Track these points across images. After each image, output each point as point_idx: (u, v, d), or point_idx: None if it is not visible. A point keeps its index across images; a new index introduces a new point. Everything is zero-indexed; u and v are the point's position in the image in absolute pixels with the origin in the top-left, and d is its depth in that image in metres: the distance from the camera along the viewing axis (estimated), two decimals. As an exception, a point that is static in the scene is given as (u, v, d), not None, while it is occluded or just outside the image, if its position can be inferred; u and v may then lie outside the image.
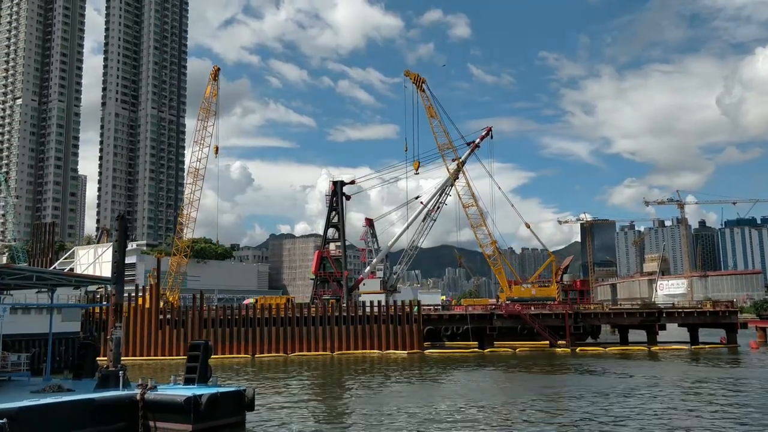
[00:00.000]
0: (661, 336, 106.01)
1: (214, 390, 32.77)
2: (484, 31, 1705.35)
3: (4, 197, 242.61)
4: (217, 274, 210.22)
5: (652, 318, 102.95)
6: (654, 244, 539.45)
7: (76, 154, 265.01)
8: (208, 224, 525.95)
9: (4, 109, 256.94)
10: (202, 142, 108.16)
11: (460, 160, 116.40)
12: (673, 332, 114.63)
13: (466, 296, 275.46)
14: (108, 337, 36.36)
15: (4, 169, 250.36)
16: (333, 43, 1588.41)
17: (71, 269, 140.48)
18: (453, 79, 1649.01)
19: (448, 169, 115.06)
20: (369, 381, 62.47)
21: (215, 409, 31.46)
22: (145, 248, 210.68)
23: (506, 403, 47.56)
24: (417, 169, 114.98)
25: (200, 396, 31.33)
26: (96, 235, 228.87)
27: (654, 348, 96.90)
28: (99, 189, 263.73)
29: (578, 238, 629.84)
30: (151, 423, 32.36)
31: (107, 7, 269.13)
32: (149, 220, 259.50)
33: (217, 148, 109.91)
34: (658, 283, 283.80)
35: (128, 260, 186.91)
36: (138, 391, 33.19)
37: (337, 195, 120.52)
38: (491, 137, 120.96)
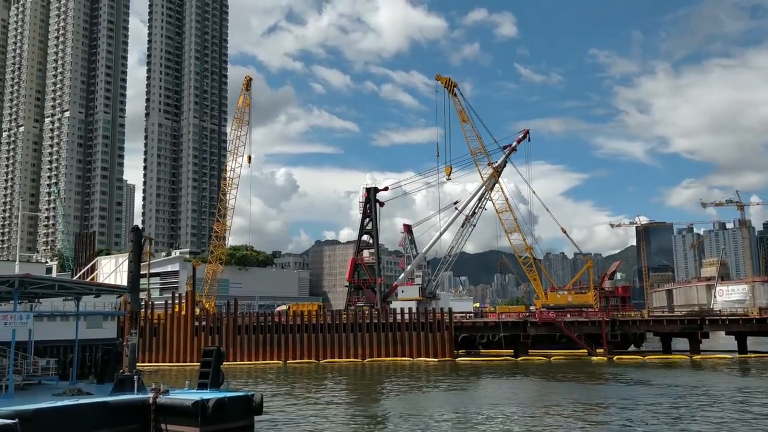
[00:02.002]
0: (710, 344, 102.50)
1: (222, 395, 33.34)
2: (531, 30, 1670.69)
3: (54, 208, 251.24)
4: (258, 280, 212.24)
5: (694, 325, 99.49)
6: (714, 247, 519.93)
7: (121, 164, 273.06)
8: (253, 231, 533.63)
9: (53, 122, 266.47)
10: (236, 152, 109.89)
11: (497, 164, 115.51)
12: (722, 340, 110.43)
13: (513, 303, 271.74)
14: (124, 343, 37.23)
15: (53, 180, 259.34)
16: (376, 47, 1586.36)
17: (93, 278, 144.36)
18: (500, 79, 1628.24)
19: (481, 175, 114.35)
20: (394, 388, 62.22)
21: (222, 412, 32.10)
22: (188, 256, 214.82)
23: (517, 413, 46.70)
24: (449, 174, 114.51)
25: (208, 400, 31.96)
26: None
27: (696, 357, 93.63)
28: (144, 198, 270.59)
29: (634, 242, 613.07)
30: (163, 426, 33.28)
31: (150, 20, 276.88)
32: (192, 228, 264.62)
33: (249, 157, 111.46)
34: (717, 288, 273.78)
35: (171, 268, 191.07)
36: (151, 394, 33.94)
37: (371, 202, 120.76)
38: (528, 140, 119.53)
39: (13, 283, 38.03)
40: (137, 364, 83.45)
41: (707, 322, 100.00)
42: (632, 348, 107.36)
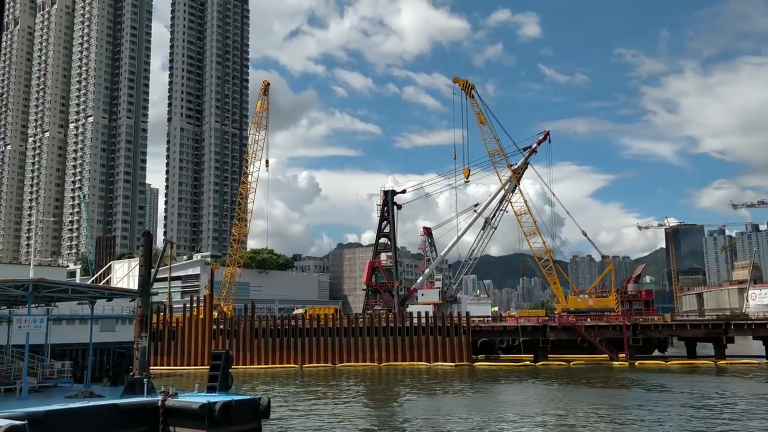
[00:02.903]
0: (741, 349, 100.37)
1: (229, 398, 33.42)
2: (555, 30, 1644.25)
3: (78, 212, 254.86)
4: (278, 284, 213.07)
5: (718, 330, 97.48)
6: (747, 249, 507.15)
7: (144, 169, 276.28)
8: (276, 234, 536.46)
9: (77, 127, 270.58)
10: (254, 156, 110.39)
11: (516, 166, 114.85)
12: (755, 345, 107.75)
13: (538, 306, 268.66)
14: (134, 346, 37.39)
15: (77, 185, 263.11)
16: (398, 49, 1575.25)
17: (107, 282, 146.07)
18: (523, 80, 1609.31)
19: (499, 177, 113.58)
20: (407, 392, 61.75)
21: (228, 415, 32.20)
22: (209, 259, 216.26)
23: (526, 419, 46.00)
24: (467, 177, 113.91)
25: (214, 403, 32.06)
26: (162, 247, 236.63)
27: (721, 362, 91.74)
28: (166, 202, 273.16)
29: (663, 245, 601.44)
30: (171, 428, 33.47)
31: (172, 25, 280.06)
32: (214, 232, 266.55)
33: (267, 161, 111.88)
34: (750, 292, 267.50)
35: (193, 271, 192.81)
36: (160, 397, 34.08)
37: (388, 205, 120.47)
38: (549, 141, 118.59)
39: (28, 287, 38.45)
40: (155, 366, 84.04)
41: (732, 327, 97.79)
42: (656, 353, 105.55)
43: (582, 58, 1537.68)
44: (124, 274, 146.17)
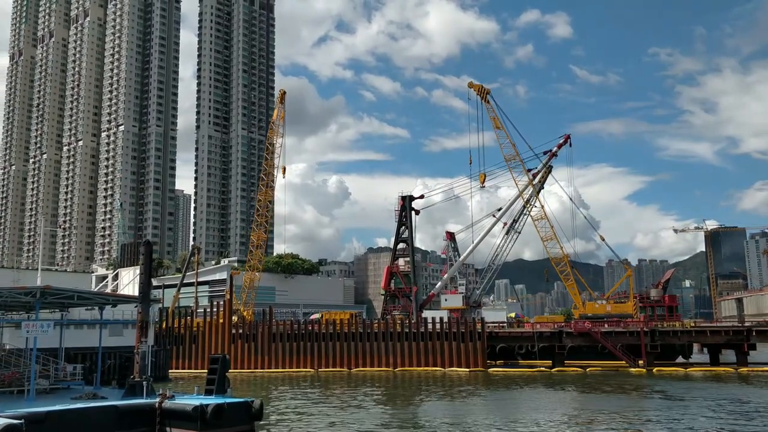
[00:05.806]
0: (763, 356, 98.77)
1: (221, 400, 34.63)
2: (586, 30, 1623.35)
3: (111, 218, 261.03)
4: (303, 288, 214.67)
5: (740, 336, 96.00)
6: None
7: (173, 176, 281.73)
8: (307, 239, 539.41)
9: (108, 136, 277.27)
10: (272, 164, 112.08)
11: (537, 171, 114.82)
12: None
13: (569, 312, 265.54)
14: (135, 351, 38.86)
15: (109, 192, 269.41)
16: (426, 53, 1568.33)
17: (113, 289, 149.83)
18: (554, 81, 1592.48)
19: (515, 182, 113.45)
20: (413, 396, 62.30)
21: (220, 417, 33.40)
22: (236, 264, 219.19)
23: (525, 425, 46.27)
24: (483, 183, 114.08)
25: (207, 405, 33.31)
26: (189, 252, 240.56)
27: (743, 369, 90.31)
28: (195, 208, 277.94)
29: (703, 248, 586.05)
30: (167, 429, 34.92)
31: (199, 34, 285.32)
32: (241, 237, 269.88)
33: (284, 169, 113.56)
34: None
35: (220, 276, 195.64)
36: (157, 399, 35.45)
37: (406, 210, 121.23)
38: (570, 145, 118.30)
39: (35, 294, 40.26)
40: (177, 370, 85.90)
41: (754, 333, 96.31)
42: (680, 359, 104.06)
43: (614, 59, 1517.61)
44: (129, 280, 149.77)
